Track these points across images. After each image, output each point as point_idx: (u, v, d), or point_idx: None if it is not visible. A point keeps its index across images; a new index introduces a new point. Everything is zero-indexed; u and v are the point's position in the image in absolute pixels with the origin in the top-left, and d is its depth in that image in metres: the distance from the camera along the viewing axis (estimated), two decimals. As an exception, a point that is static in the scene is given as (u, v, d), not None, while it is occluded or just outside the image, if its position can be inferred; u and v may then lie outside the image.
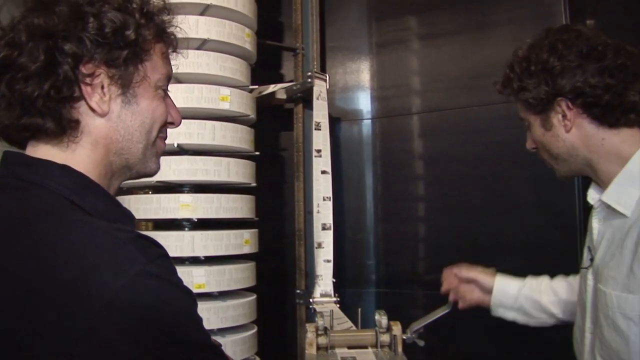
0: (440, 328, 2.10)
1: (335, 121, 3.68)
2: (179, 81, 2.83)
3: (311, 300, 2.98)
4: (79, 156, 1.01)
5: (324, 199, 3.10)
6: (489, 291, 1.88)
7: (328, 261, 3.06)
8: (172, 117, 1.16)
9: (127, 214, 1.07)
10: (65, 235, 0.87)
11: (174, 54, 1.18)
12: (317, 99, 3.12)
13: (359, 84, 3.71)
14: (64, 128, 1.00)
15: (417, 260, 3.56)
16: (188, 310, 0.92)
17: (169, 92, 1.17)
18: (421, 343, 2.08)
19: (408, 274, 3.56)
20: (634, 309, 1.26)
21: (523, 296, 1.81)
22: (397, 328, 2.01)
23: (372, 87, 3.67)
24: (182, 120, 2.67)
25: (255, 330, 3.06)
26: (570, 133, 1.42)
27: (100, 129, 1.03)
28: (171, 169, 2.78)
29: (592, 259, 1.46)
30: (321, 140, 3.10)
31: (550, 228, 3.10)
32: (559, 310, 1.77)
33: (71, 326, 0.80)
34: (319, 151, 3.09)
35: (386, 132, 3.63)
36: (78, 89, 0.99)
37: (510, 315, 1.87)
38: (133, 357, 0.83)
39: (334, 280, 3.03)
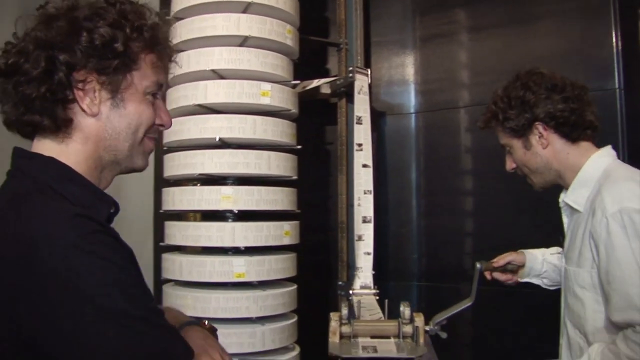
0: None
1: (380, 115, 3.71)
2: (221, 77, 2.92)
3: (351, 292, 3.02)
4: (71, 150, 1.17)
5: (364, 192, 3.14)
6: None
7: (368, 254, 3.10)
8: (161, 120, 1.29)
9: (105, 200, 1.19)
10: (22, 215, 1.03)
11: (172, 63, 1.32)
12: (359, 93, 3.16)
13: (404, 79, 3.74)
14: (59, 125, 1.15)
15: (460, 254, 3.57)
16: (116, 282, 1.02)
17: (158, 97, 1.29)
18: (444, 335, 2.11)
19: (450, 267, 3.57)
20: (585, 279, 1.71)
21: (546, 263, 2.20)
22: (419, 319, 2.04)
23: (416, 82, 3.69)
24: (224, 115, 2.80)
25: (295, 319, 3.13)
26: (546, 150, 1.84)
27: (91, 127, 1.18)
28: (213, 162, 2.87)
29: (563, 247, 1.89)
30: (362, 134, 3.14)
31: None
32: None
33: (15, 293, 0.98)
34: (360, 145, 3.13)
35: (429, 126, 3.65)
36: (71, 92, 1.14)
37: (535, 280, 2.24)
38: (59, 318, 0.97)
39: (374, 273, 3.06)
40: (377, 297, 2.93)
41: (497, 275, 2.25)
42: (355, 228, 3.12)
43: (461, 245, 3.59)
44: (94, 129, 1.18)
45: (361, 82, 3.19)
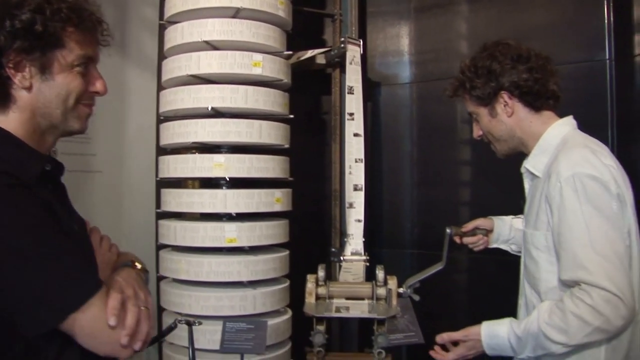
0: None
1: (375, 85, 3.77)
2: (215, 48, 2.99)
3: (342, 258, 3.10)
4: (11, 119, 1.37)
5: (356, 161, 3.20)
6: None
7: (359, 221, 3.18)
8: (95, 87, 1.46)
9: (39, 159, 1.38)
10: None
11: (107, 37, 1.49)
12: (350, 63, 3.22)
13: (399, 49, 3.78)
14: None
15: (453, 223, 3.60)
16: (23, 224, 1.21)
17: (91, 68, 1.46)
18: (416, 297, 2.20)
19: (443, 236, 3.63)
20: (540, 241, 1.81)
21: (514, 229, 2.30)
22: (392, 282, 2.13)
23: (411, 52, 3.73)
24: (217, 85, 2.87)
25: (287, 284, 3.23)
26: (511, 118, 1.92)
27: (26, 99, 1.37)
28: (205, 130, 2.96)
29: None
30: (354, 104, 3.20)
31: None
32: None
33: None
34: (351, 114, 3.20)
35: (424, 96, 3.69)
36: (4, 71, 1.32)
37: (504, 246, 2.34)
38: None
39: (364, 240, 3.14)
40: (368, 264, 3.01)
41: (467, 240, 2.34)
42: (347, 196, 3.19)
43: (455, 214, 3.65)
44: (29, 100, 1.36)
45: (353, 53, 3.24)
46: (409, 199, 3.77)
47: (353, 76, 3.21)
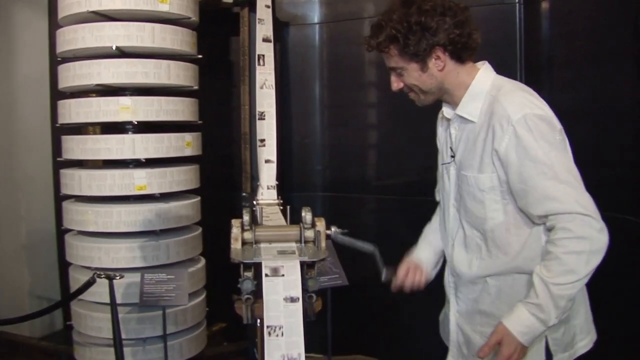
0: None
1: (283, 26, 3.66)
2: (119, -17, 2.80)
3: (254, 202, 3.03)
4: None
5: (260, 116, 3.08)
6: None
7: (269, 161, 3.09)
8: None
9: None
10: None
11: None
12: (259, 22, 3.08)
13: (308, -12, 3.69)
14: None
15: (364, 165, 3.64)
16: None
17: None
18: (345, 231, 2.17)
19: (354, 178, 3.63)
20: (485, 183, 1.88)
21: (437, 255, 2.22)
22: (321, 224, 2.08)
23: (320, -8, 3.65)
24: (121, 22, 2.69)
25: (199, 231, 3.14)
26: (441, 71, 1.89)
27: None
28: (110, 72, 2.78)
29: (453, 156, 2.02)
30: (265, 49, 3.06)
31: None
32: None
33: None
34: (260, 56, 3.07)
35: (333, 37, 3.62)
36: None
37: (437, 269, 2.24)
38: None
39: (277, 183, 3.08)
40: (281, 207, 2.95)
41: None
42: (259, 151, 3.08)
43: (364, 156, 3.66)
44: None
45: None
46: (319, 142, 3.72)
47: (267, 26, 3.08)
